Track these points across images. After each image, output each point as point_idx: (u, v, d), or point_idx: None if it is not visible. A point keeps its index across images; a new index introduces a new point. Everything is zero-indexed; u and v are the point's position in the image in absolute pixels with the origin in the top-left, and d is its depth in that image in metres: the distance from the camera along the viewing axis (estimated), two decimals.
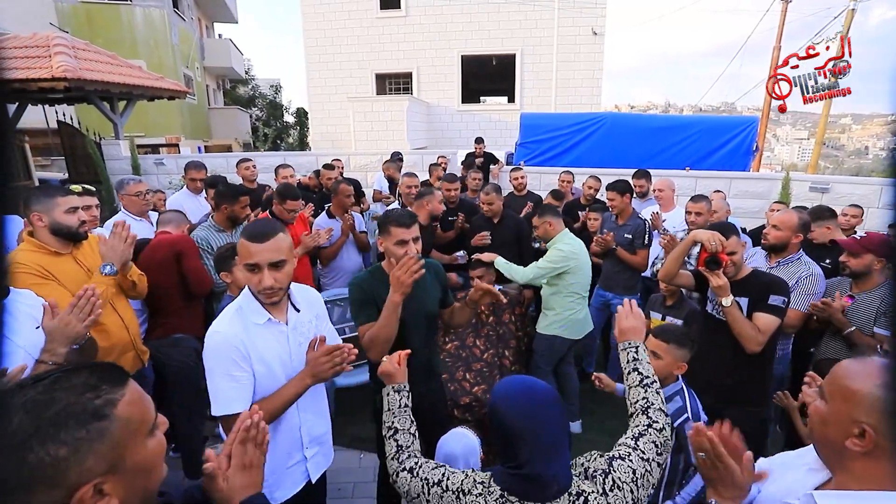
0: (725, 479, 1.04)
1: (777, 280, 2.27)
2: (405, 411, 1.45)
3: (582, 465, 1.21)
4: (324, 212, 3.94)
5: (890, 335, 2.20)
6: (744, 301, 2.23)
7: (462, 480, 1.18)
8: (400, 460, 1.32)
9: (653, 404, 1.32)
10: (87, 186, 2.80)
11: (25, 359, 1.49)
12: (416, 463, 1.28)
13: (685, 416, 1.85)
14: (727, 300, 2.14)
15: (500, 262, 3.21)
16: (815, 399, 1.01)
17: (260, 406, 1.43)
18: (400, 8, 13.59)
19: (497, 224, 3.83)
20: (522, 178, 5.04)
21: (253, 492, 1.02)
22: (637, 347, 1.45)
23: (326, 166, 5.31)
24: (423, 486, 1.21)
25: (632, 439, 1.25)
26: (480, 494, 1.14)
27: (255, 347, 1.51)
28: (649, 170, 4.85)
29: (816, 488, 0.97)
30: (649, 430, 1.26)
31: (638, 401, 1.34)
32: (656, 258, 3.49)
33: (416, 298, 2.07)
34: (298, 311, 1.68)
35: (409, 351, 1.61)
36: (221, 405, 1.45)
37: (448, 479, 1.19)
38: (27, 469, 0.61)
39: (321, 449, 1.82)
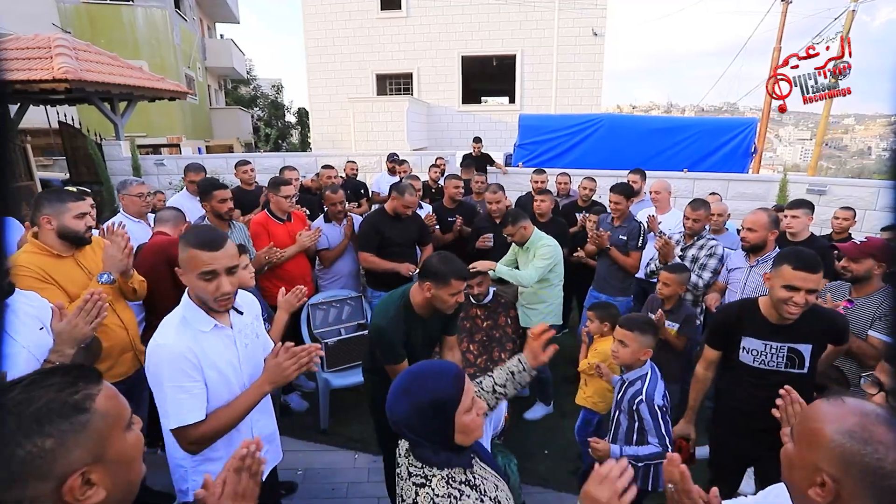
0: None
1: (840, 321, 2.07)
2: None
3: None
4: (322, 216, 3.93)
5: (890, 336, 2.19)
6: (806, 348, 1.97)
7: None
8: None
9: None
10: (82, 188, 2.83)
11: (29, 359, 1.51)
12: None
13: (639, 398, 2.06)
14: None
15: (503, 270, 3.22)
16: (789, 440, 0.94)
17: (218, 415, 1.51)
18: (400, 9, 13.61)
19: (499, 225, 3.85)
20: (544, 181, 5.02)
21: None
22: None
23: (325, 167, 5.32)
24: None
25: None
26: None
27: (206, 355, 1.52)
28: (648, 171, 4.88)
29: None
30: None
31: None
32: (651, 259, 3.50)
33: (430, 331, 2.18)
34: (241, 313, 1.70)
35: None
36: (176, 417, 1.44)
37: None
38: (16, 463, 0.64)
39: (270, 447, 1.86)
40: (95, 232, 2.85)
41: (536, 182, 5.02)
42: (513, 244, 3.46)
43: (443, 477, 1.14)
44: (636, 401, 2.06)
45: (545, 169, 5.34)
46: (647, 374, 2.13)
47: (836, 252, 3.38)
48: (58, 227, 2.08)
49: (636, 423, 2.08)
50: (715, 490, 1.06)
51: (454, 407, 1.12)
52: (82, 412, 0.72)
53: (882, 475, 0.74)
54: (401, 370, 2.02)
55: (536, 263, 3.21)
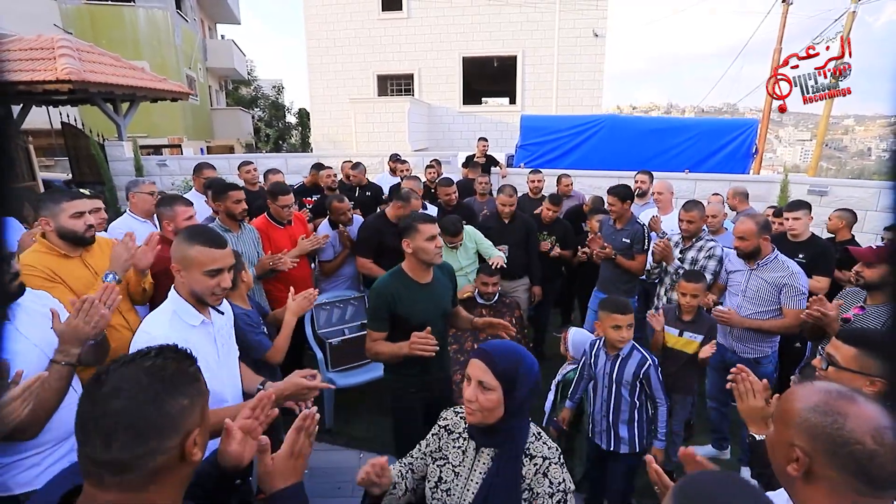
0: None
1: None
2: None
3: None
4: (326, 219, 3.92)
5: (889, 341, 2.17)
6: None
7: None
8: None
9: None
10: (84, 192, 2.84)
11: (40, 357, 1.53)
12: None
13: (647, 363, 2.28)
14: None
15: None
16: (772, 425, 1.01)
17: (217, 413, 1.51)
18: (402, 9, 13.63)
19: (508, 224, 3.92)
20: (540, 181, 5.08)
21: (294, 480, 1.08)
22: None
23: (316, 166, 5.30)
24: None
25: None
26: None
27: (194, 349, 1.47)
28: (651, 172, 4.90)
29: None
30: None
31: None
32: (651, 263, 3.51)
33: (434, 297, 2.26)
34: (222, 313, 1.74)
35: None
36: None
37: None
38: (164, 416, 0.78)
39: None
40: (104, 233, 2.88)
41: (533, 182, 5.04)
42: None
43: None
44: (644, 367, 2.27)
45: (541, 170, 5.37)
46: (633, 344, 2.35)
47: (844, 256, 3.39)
48: (56, 228, 2.10)
49: (637, 391, 2.29)
50: None
51: None
52: (198, 381, 0.87)
53: (842, 443, 0.81)
54: (378, 339, 2.18)
55: (486, 242, 3.73)
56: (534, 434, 1.33)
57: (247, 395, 1.81)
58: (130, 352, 1.46)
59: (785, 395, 0.96)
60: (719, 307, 2.89)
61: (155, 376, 0.80)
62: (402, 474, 1.48)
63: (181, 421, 0.80)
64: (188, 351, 0.92)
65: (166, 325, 1.54)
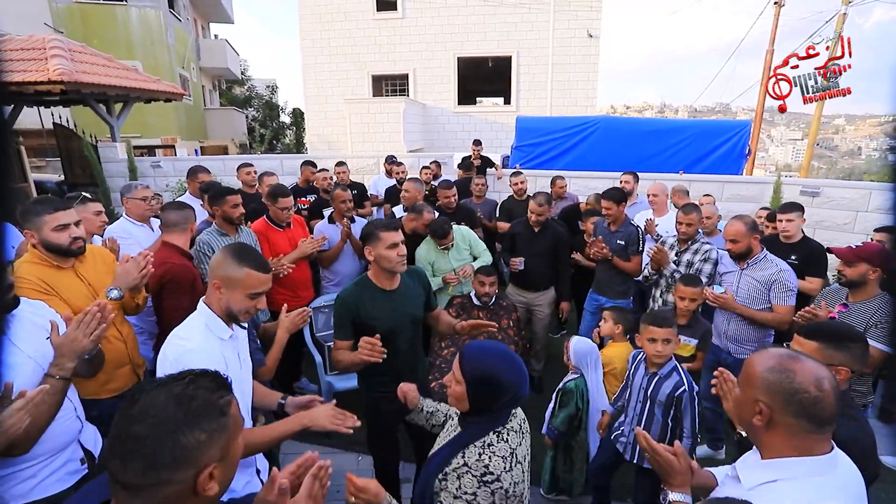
0: (666, 469, 1.26)
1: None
2: None
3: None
4: (325, 218, 3.95)
5: (889, 340, 2.24)
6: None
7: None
8: None
9: None
10: (85, 195, 2.79)
11: (35, 369, 1.49)
12: None
13: (682, 388, 2.17)
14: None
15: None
16: (737, 388, 1.21)
17: (254, 432, 1.56)
18: (396, 10, 13.62)
19: (537, 233, 3.81)
20: (523, 182, 5.07)
21: None
22: None
23: (307, 163, 5.35)
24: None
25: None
26: None
27: (226, 362, 1.58)
28: (644, 173, 4.93)
29: None
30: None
31: None
32: (646, 265, 3.53)
33: (401, 304, 2.19)
34: (244, 327, 1.75)
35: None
36: None
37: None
38: (180, 448, 0.77)
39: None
40: (98, 240, 2.84)
41: (516, 184, 5.03)
42: (418, 252, 3.58)
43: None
44: (678, 390, 2.16)
45: (522, 170, 5.40)
46: (675, 365, 2.25)
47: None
48: (41, 241, 2.01)
49: (671, 414, 2.19)
50: (677, 443, 1.30)
51: None
52: (224, 416, 0.84)
53: (794, 392, 1.04)
54: (343, 347, 2.13)
55: (481, 245, 3.75)
56: (485, 443, 1.32)
57: (266, 410, 1.85)
58: (158, 361, 1.53)
59: (747, 362, 1.17)
60: (716, 287, 2.91)
61: (181, 406, 0.80)
62: (445, 410, 1.78)
63: (197, 455, 0.79)
64: (227, 379, 0.90)
65: (201, 338, 1.56)
